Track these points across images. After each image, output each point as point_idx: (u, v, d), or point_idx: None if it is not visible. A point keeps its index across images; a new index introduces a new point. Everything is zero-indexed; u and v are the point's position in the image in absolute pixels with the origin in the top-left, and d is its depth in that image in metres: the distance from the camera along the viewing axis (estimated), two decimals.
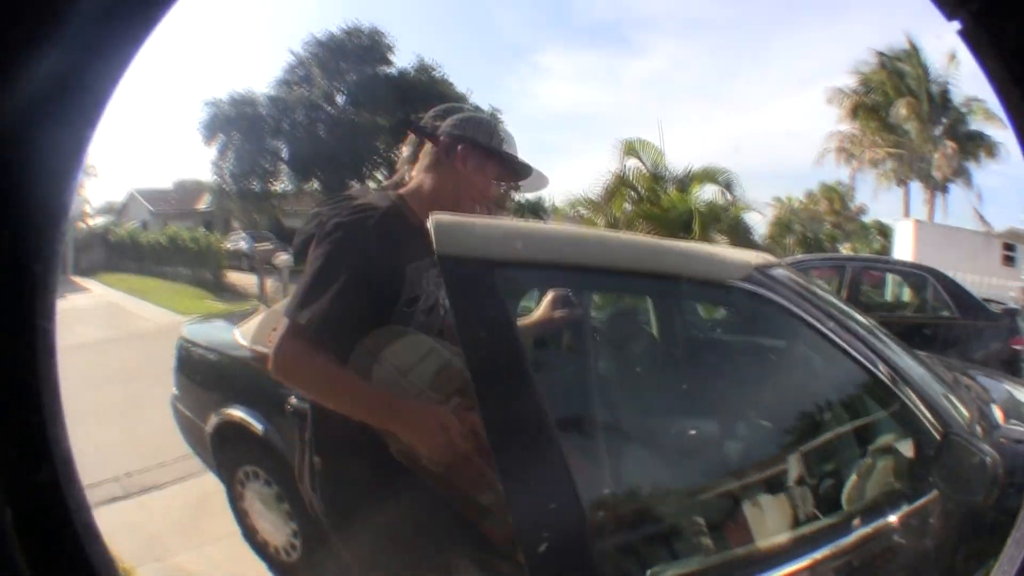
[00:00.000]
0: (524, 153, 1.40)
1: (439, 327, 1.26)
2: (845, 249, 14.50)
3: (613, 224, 12.68)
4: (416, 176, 1.34)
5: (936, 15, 0.40)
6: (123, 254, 21.94)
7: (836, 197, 16.48)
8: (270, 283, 12.93)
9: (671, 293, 1.85)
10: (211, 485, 2.79)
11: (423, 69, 23.66)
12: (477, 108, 1.36)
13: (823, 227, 15.64)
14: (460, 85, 23.94)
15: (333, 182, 22.52)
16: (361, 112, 21.94)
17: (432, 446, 1.06)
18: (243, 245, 20.35)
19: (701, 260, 1.47)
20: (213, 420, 2.39)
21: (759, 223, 14.17)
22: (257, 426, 2.21)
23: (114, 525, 3.23)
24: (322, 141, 21.78)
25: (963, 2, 0.39)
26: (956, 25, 0.39)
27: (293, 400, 1.92)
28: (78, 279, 20.12)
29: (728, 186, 12.76)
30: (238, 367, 2.49)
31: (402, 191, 1.32)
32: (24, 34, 0.41)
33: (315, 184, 23.41)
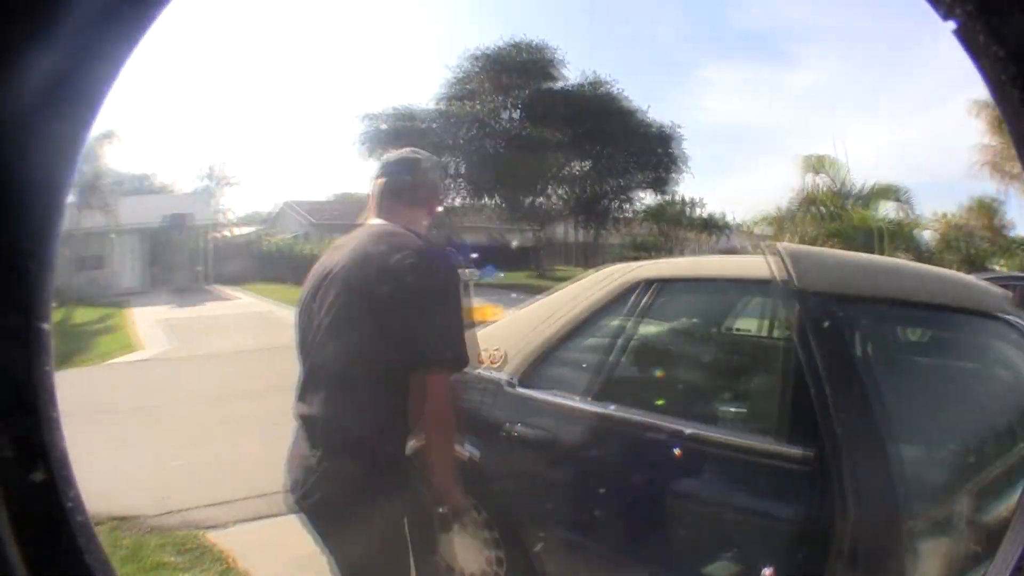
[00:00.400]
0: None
1: None
2: (1000, 267, 13.38)
3: (808, 242, 12.27)
4: (397, 209, 1.60)
5: (932, 15, 0.40)
6: (275, 264, 21.55)
7: (988, 212, 15.47)
8: None
9: (937, 323, 1.92)
10: None
11: (597, 83, 23.22)
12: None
13: (979, 243, 14.55)
14: (639, 99, 23.69)
15: (510, 198, 22.71)
16: (534, 127, 21.45)
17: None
18: None
19: (978, 291, 1.66)
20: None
21: (928, 240, 13.69)
22: (474, 452, 2.10)
23: (256, 544, 3.22)
24: (495, 156, 21.28)
25: (959, 2, 0.39)
26: (951, 25, 0.39)
27: (518, 427, 1.99)
28: (220, 287, 20.35)
29: (906, 202, 12.52)
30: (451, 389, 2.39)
31: (390, 220, 1.56)
32: (19, 33, 0.41)
33: (492, 199, 23.41)
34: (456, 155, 22.13)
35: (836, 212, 12.66)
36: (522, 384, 2.08)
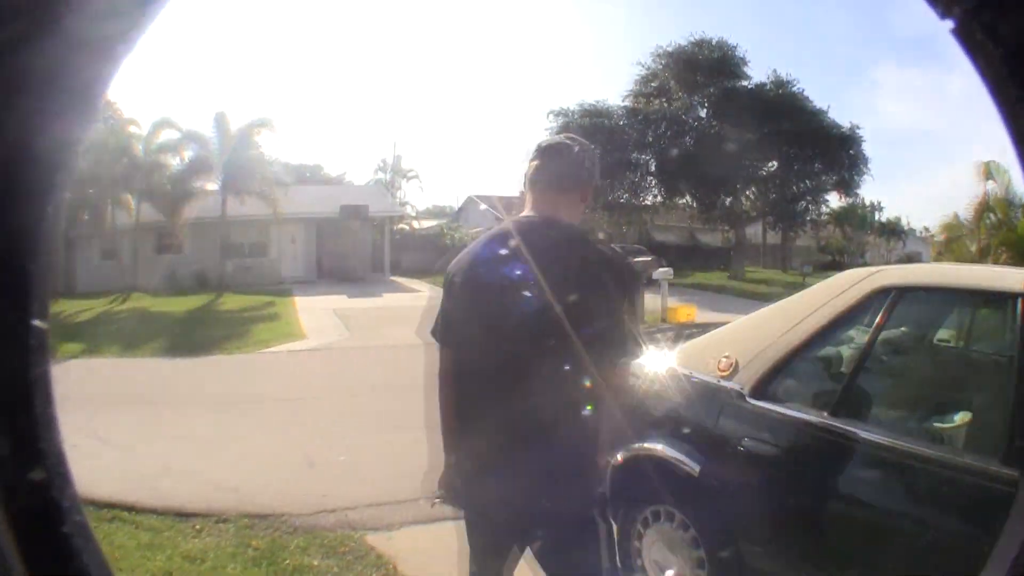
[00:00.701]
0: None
1: None
2: None
3: (986, 250, 12.27)
4: (559, 199, 1.57)
5: (929, 14, 0.40)
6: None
7: None
8: (647, 296, 11.90)
9: None
10: None
11: (779, 83, 22.88)
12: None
13: None
14: (815, 100, 22.91)
15: (704, 196, 22.39)
16: (725, 125, 21.19)
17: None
18: None
19: None
20: (621, 454, 2.12)
21: None
22: (692, 466, 1.96)
23: (426, 550, 2.88)
24: (689, 155, 20.93)
25: (957, 1, 0.39)
26: (949, 24, 0.39)
27: (748, 441, 1.85)
28: (400, 279, 19.95)
29: None
30: (669, 396, 2.17)
31: (555, 214, 1.56)
32: (18, 33, 0.40)
33: (683, 198, 23.17)
34: (647, 153, 22.06)
35: (1005, 221, 12.43)
36: (754, 396, 1.92)
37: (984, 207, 12.82)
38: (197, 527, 3.10)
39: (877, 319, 1.84)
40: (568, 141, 1.54)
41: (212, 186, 17.84)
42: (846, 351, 2.03)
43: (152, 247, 18.50)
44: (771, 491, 1.86)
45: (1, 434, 0.43)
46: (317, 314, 12.48)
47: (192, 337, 10.31)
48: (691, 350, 2.33)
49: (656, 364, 2.28)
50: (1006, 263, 10.98)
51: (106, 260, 18.41)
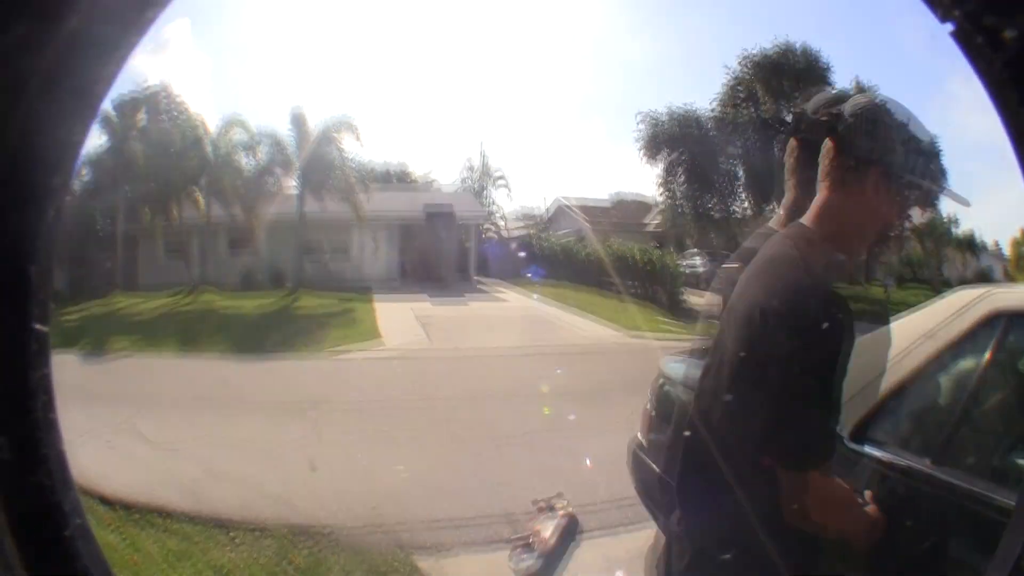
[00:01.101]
0: (954, 184, 1.17)
1: None
2: None
3: None
4: (819, 196, 1.08)
5: (929, 17, 0.40)
6: (549, 264, 20.86)
7: None
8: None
9: None
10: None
11: (861, 91, 22.71)
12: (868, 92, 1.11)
13: None
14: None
15: (792, 205, 22.18)
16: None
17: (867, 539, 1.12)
18: (699, 265, 19.46)
19: None
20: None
21: None
22: None
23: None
24: (778, 163, 20.63)
25: (956, 5, 0.39)
26: (949, 27, 0.39)
27: None
28: (488, 284, 19.38)
29: None
30: None
31: (806, 222, 1.08)
32: (21, 37, 0.41)
33: (772, 205, 22.96)
34: (737, 161, 21.95)
35: None
36: (854, 439, 1.70)
37: None
38: (234, 537, 2.91)
39: (987, 352, 1.59)
40: (858, 100, 1.11)
41: (291, 185, 17.78)
42: (950, 385, 1.80)
43: (224, 245, 18.18)
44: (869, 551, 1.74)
45: (4, 438, 0.43)
46: (396, 317, 12.02)
47: (261, 337, 9.86)
48: None
49: None
50: None
51: (172, 257, 17.91)
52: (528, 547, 2.56)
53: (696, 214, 22.02)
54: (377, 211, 18.46)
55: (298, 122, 17.78)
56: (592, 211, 26.14)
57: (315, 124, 17.81)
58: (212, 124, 17.38)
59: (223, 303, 13.51)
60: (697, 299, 16.22)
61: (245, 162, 17.40)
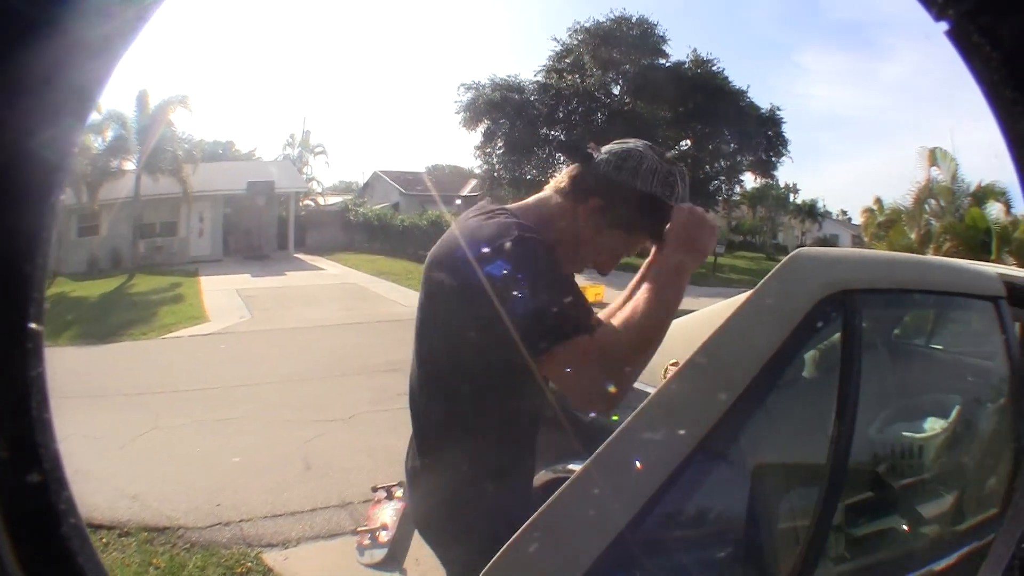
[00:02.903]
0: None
1: None
2: None
3: (925, 237, 11.98)
4: (543, 193, 1.22)
5: (923, 16, 0.40)
6: (365, 234, 21.03)
7: None
8: None
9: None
10: None
11: (699, 62, 22.72)
12: (664, 161, 1.17)
13: None
14: (735, 81, 22.86)
15: None
16: (639, 103, 21.11)
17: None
18: None
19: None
20: (545, 476, 1.88)
21: None
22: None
23: (327, 570, 2.69)
24: (600, 131, 20.51)
25: (952, 3, 0.39)
26: (944, 26, 0.39)
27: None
28: (305, 256, 19.63)
29: (1008, 204, 11.91)
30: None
31: (515, 210, 1.19)
32: (15, 32, 0.40)
33: None
34: (559, 129, 21.84)
35: (950, 208, 12.24)
36: None
37: (927, 193, 12.63)
38: (103, 538, 2.88)
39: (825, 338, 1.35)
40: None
41: (130, 165, 17.70)
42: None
43: (74, 230, 18.17)
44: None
45: None
46: (220, 295, 12.34)
47: (102, 322, 9.92)
48: None
49: None
50: (949, 252, 10.89)
51: None
52: (374, 538, 2.62)
53: (514, 181, 21.81)
54: (204, 188, 18.47)
55: (142, 102, 17.67)
56: (407, 181, 26.23)
57: (155, 103, 17.76)
58: None
59: (74, 291, 13.55)
60: None
61: (95, 144, 17.19)
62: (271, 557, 2.81)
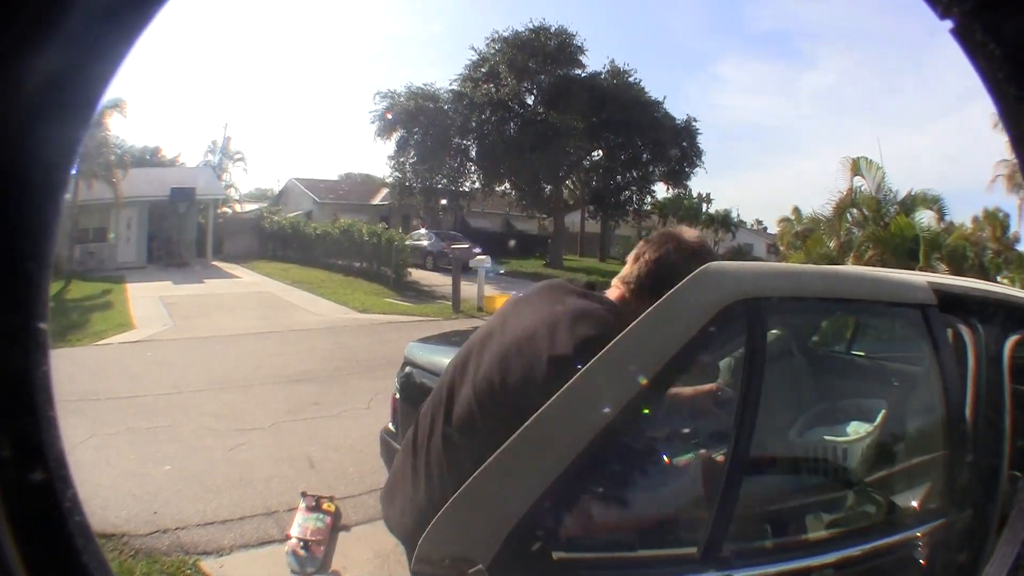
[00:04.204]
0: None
1: None
2: (1003, 280, 12.88)
3: (846, 246, 12.05)
4: (630, 287, 1.31)
5: (928, 14, 0.40)
6: (280, 243, 21.04)
7: (997, 225, 15.44)
8: (464, 285, 12.08)
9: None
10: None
11: (616, 73, 22.83)
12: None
13: (987, 255, 14.20)
14: (653, 92, 23.06)
15: (522, 185, 22.22)
16: (552, 113, 21.05)
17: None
18: (426, 243, 19.96)
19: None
20: None
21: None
22: None
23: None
24: (513, 141, 20.84)
25: (956, 2, 0.39)
26: (948, 24, 0.39)
27: None
28: (223, 264, 19.55)
29: (941, 211, 12.09)
30: None
31: (613, 298, 1.31)
32: (18, 35, 0.41)
33: (504, 185, 23.03)
34: (470, 138, 21.83)
35: (876, 217, 12.26)
36: None
37: (849, 203, 12.65)
38: None
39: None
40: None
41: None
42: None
43: None
44: None
45: (3, 435, 0.43)
46: (145, 303, 12.53)
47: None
48: None
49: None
50: (871, 260, 10.86)
51: None
52: (305, 547, 2.77)
53: (425, 190, 21.89)
54: (132, 194, 18.50)
55: None
56: (320, 189, 26.52)
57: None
58: None
59: None
60: (424, 276, 16.89)
61: None
62: (208, 565, 2.88)
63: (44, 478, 0.44)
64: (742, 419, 1.16)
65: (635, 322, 1.05)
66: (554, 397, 0.98)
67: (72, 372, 7.19)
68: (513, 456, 0.99)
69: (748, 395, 1.16)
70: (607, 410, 1.01)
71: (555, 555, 1.03)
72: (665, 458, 1.28)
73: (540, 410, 0.98)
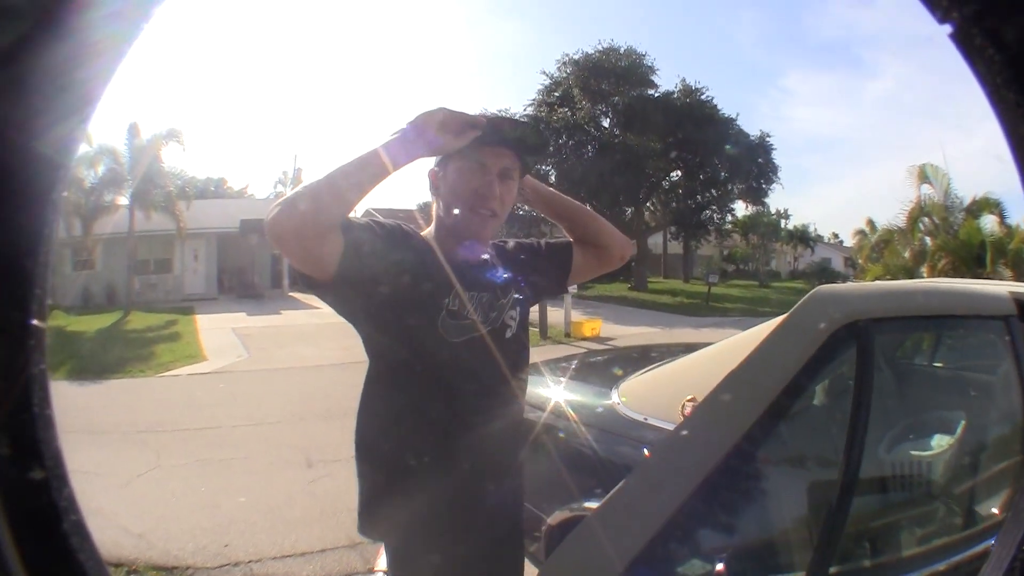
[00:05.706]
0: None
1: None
2: None
3: (919, 256, 11.82)
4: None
5: (927, 19, 0.40)
6: None
7: None
8: (551, 310, 11.48)
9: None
10: None
11: (688, 91, 22.59)
12: None
13: None
14: (725, 109, 22.70)
15: (606, 207, 21.63)
16: (629, 135, 20.88)
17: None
18: None
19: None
20: (561, 516, 1.80)
21: None
22: None
23: None
24: (591, 164, 20.66)
25: (956, 6, 0.39)
26: (947, 29, 0.39)
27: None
28: (299, 295, 18.71)
29: (1002, 215, 11.85)
30: (616, 448, 1.80)
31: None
32: (19, 32, 0.41)
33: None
34: (549, 163, 21.57)
35: (944, 225, 12.03)
36: None
37: (918, 211, 12.48)
38: None
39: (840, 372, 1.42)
40: None
41: (123, 200, 17.54)
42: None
43: (69, 263, 18.13)
44: None
45: (1, 433, 0.43)
46: (217, 334, 12.25)
47: (100, 358, 9.85)
48: (642, 389, 2.02)
49: (603, 402, 1.93)
50: (944, 269, 10.75)
51: None
52: None
53: (508, 219, 21.30)
54: (198, 226, 18.33)
55: (133, 134, 17.38)
56: (399, 218, 25.82)
57: (147, 137, 17.47)
58: None
59: (69, 325, 13.46)
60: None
61: (88, 177, 16.93)
62: None
63: (41, 477, 0.44)
64: (852, 442, 1.16)
65: (751, 352, 1.10)
66: (670, 434, 1.05)
67: (132, 403, 7.09)
68: (631, 494, 1.04)
69: (858, 418, 1.16)
70: (726, 441, 1.04)
71: None
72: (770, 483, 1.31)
73: (656, 444, 1.07)
